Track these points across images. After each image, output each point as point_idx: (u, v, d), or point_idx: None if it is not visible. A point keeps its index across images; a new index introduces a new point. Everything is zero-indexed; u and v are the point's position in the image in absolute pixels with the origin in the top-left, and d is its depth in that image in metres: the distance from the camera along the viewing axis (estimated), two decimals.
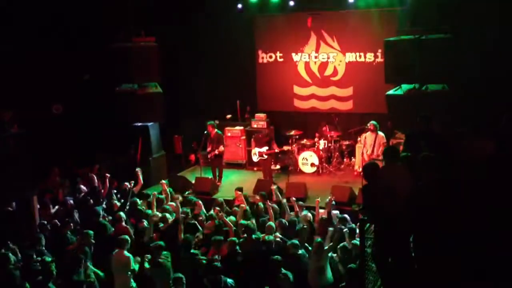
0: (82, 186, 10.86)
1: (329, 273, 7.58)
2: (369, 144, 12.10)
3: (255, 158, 12.81)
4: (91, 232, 8.32)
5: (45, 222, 9.17)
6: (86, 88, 13.21)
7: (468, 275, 5.18)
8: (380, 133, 12.17)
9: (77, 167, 12.07)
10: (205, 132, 12.48)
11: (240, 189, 10.67)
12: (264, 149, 12.49)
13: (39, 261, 7.51)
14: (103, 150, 12.85)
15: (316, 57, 14.52)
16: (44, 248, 8.16)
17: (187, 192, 11.81)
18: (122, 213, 9.14)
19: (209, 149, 12.49)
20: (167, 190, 10.27)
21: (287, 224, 8.79)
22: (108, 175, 10.53)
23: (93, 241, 8.22)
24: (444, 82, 9.96)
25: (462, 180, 5.40)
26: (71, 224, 9.01)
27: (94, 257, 8.10)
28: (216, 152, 12.41)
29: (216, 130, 12.58)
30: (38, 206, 9.77)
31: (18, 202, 9.50)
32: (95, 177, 10.45)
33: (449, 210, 5.27)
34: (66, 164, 12.06)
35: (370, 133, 12.21)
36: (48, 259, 7.52)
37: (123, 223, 8.94)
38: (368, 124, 12.29)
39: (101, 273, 7.79)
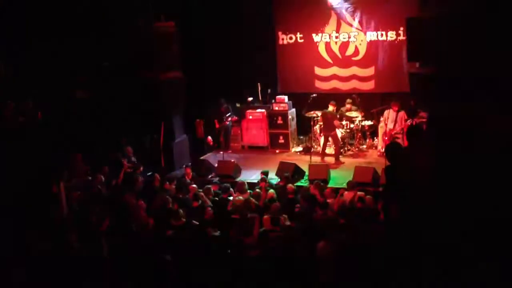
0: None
1: None
2: (391, 120, 12.35)
3: None
4: None
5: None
6: (109, 75, 13.28)
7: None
8: (402, 111, 12.37)
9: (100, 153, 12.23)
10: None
11: (265, 173, 10.70)
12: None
13: None
14: (126, 135, 12.97)
15: (337, 37, 14.32)
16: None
17: (209, 176, 11.89)
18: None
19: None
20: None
21: None
22: None
23: None
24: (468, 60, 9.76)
25: (486, 157, 5.35)
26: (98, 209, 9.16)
27: None
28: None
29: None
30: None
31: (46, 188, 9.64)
32: None
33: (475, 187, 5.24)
34: (89, 150, 12.21)
35: (393, 111, 12.40)
36: None
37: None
38: (392, 104, 12.46)
39: None
